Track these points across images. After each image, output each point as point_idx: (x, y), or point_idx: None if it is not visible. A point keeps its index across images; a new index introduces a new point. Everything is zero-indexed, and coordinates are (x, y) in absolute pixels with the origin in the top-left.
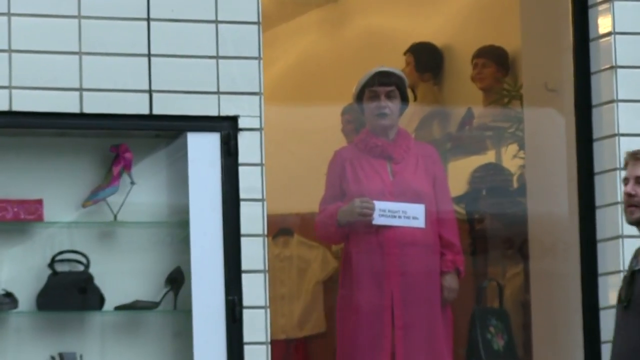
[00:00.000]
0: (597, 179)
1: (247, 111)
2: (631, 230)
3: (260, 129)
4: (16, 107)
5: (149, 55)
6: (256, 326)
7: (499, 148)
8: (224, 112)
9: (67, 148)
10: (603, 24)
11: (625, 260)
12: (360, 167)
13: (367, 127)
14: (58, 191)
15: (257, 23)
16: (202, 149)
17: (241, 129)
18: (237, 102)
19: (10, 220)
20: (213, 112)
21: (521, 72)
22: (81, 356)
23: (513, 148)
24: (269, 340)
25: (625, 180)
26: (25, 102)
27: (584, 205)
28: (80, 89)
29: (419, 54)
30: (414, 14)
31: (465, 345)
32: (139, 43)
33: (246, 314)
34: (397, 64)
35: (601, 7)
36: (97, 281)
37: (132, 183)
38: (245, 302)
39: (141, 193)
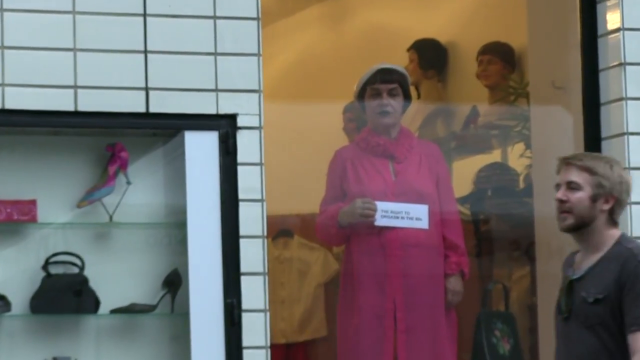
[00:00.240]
0: None
1: (246, 109)
2: (639, 232)
3: (259, 128)
4: (9, 105)
5: (145, 51)
6: (255, 330)
7: (505, 147)
8: (223, 110)
9: (62, 147)
10: (611, 19)
11: None
12: (362, 166)
13: (369, 125)
14: (52, 191)
15: (257, 19)
16: (200, 148)
17: (240, 128)
18: (235, 100)
19: (3, 221)
20: (211, 110)
21: (528, 69)
22: None
23: (519, 147)
24: (268, 344)
25: (557, 186)
26: (19, 100)
27: None
28: (75, 87)
29: (422, 50)
30: (417, 9)
31: (470, 350)
32: (135, 39)
33: (245, 318)
34: (400, 61)
35: (609, 3)
36: (93, 284)
37: (128, 183)
38: (244, 305)
39: (137, 193)
